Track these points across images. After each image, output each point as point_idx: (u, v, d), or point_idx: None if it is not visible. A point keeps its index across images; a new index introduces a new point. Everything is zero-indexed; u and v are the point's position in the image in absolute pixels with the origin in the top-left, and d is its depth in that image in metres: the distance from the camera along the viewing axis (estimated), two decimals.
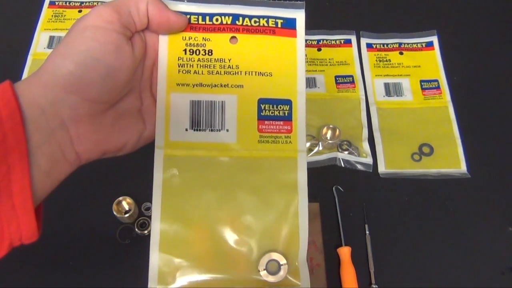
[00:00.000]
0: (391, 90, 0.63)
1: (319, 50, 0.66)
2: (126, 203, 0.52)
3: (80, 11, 0.68)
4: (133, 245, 0.52)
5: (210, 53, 0.33)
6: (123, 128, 0.32)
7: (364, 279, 0.50)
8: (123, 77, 0.30)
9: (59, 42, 0.28)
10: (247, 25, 0.33)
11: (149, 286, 0.32)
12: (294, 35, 0.34)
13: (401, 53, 0.66)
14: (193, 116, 0.33)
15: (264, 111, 0.34)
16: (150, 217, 0.53)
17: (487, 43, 0.67)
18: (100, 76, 0.28)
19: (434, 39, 0.67)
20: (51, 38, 0.65)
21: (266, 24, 0.33)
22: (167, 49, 0.33)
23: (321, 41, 0.66)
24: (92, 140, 0.30)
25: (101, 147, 0.31)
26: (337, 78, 0.63)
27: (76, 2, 0.69)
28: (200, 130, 0.33)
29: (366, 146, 0.58)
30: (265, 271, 0.31)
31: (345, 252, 0.51)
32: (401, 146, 0.59)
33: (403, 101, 0.62)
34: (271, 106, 0.34)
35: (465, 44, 0.67)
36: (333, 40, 0.67)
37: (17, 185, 0.25)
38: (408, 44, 0.66)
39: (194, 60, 0.33)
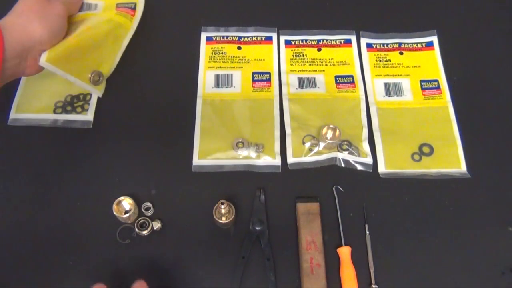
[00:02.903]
0: (391, 90, 0.63)
1: (319, 50, 0.66)
2: (126, 203, 0.52)
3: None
4: (133, 245, 0.52)
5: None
6: None
7: (364, 279, 0.50)
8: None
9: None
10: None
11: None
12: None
13: (401, 53, 0.66)
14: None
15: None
16: (150, 217, 0.53)
17: (487, 43, 0.67)
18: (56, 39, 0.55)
19: (434, 39, 0.67)
20: None
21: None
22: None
23: (321, 41, 0.66)
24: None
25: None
26: (337, 78, 0.63)
27: None
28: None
29: (366, 146, 0.58)
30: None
31: (345, 252, 0.51)
32: (401, 146, 0.59)
33: (403, 101, 0.62)
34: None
35: (465, 44, 0.67)
36: (333, 40, 0.67)
37: None
38: (408, 44, 0.66)
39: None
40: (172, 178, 0.56)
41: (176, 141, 0.58)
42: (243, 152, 0.57)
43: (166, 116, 0.60)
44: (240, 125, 0.59)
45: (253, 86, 0.62)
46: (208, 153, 0.57)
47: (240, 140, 0.58)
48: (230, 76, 0.63)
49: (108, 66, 0.61)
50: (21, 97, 0.60)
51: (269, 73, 0.63)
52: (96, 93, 0.60)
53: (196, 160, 0.57)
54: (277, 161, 0.57)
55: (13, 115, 0.59)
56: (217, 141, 0.58)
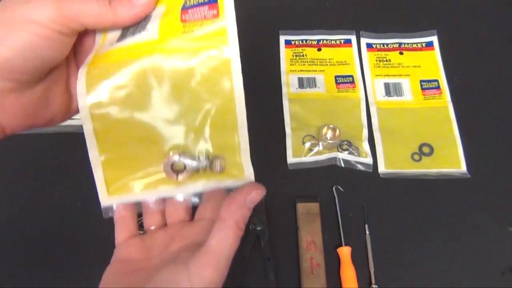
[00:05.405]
0: (391, 90, 0.63)
1: (319, 50, 0.66)
2: None
3: None
4: None
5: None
6: (50, 101, 0.32)
7: (364, 279, 0.50)
8: (55, 64, 0.30)
9: None
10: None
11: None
12: None
13: (401, 53, 0.66)
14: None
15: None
16: None
17: (487, 43, 0.67)
18: (34, 66, 0.29)
19: (434, 39, 0.67)
20: None
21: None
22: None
23: (321, 41, 0.66)
24: (18, 114, 0.30)
25: (28, 122, 0.32)
26: (337, 78, 0.63)
27: None
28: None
29: (366, 146, 0.58)
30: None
31: (345, 252, 0.51)
32: (401, 146, 0.59)
33: (403, 101, 0.62)
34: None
35: (465, 44, 0.67)
36: (333, 40, 0.67)
37: None
38: (408, 44, 0.66)
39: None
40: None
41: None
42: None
43: None
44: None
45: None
46: None
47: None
48: None
49: None
50: None
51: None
52: None
53: None
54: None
55: None
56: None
